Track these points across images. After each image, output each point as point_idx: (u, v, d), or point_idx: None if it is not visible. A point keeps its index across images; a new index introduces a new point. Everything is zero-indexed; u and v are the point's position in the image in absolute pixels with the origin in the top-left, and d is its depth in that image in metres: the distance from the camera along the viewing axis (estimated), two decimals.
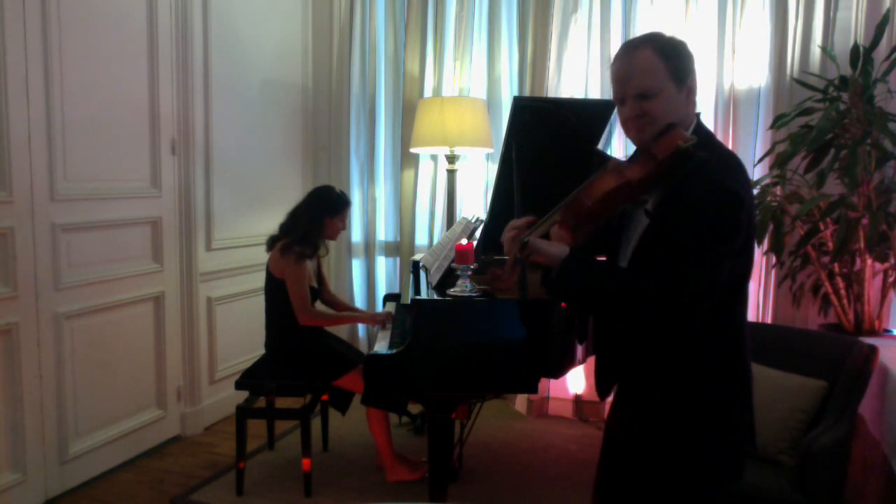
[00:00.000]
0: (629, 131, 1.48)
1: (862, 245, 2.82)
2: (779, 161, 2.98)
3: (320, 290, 3.15)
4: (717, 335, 1.43)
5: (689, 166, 1.34)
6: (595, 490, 1.67)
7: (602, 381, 1.63)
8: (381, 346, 2.59)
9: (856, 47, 2.91)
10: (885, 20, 2.89)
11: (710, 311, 1.37)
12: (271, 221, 3.16)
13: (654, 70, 1.39)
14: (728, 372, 1.45)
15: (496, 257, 2.30)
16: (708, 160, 1.35)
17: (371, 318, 3.05)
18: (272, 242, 3.04)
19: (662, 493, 1.46)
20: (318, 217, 3.01)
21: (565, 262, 1.42)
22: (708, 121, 3.42)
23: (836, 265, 2.92)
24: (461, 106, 3.58)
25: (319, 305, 3.17)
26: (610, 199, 1.38)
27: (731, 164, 1.39)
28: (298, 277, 2.91)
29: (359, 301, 4.39)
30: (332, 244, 3.18)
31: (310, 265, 3.01)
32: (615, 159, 1.44)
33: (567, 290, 1.47)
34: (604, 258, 1.64)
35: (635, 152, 1.50)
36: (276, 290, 2.98)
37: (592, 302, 1.50)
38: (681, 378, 1.44)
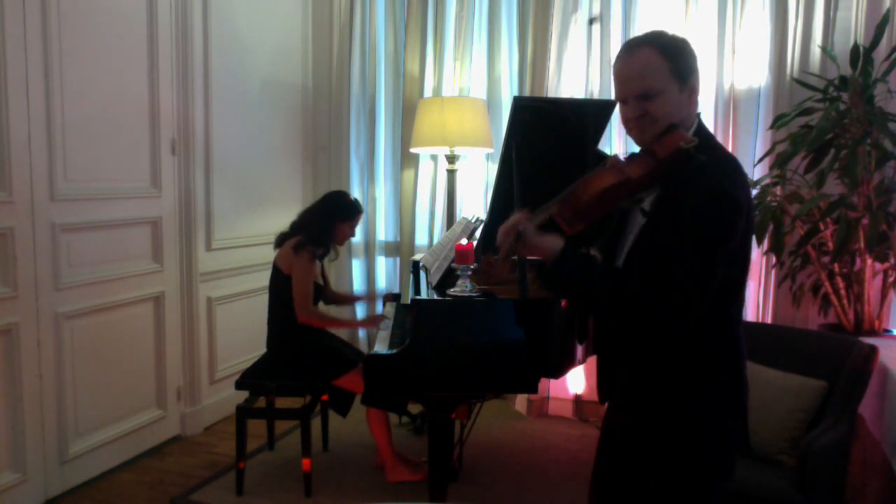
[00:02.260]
0: (631, 131, 1.47)
1: (862, 245, 2.82)
2: (779, 161, 2.98)
3: (324, 287, 3.16)
4: (713, 336, 1.43)
5: (688, 168, 1.34)
6: (591, 488, 1.67)
7: (605, 384, 1.63)
8: (381, 346, 2.59)
9: (856, 47, 2.91)
10: (885, 20, 2.89)
11: (706, 311, 1.37)
12: (271, 221, 3.17)
13: (655, 70, 1.39)
14: (724, 372, 1.45)
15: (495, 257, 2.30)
16: (707, 163, 1.34)
17: (363, 324, 3.09)
18: (282, 239, 3.05)
19: (659, 491, 1.46)
20: (330, 221, 3.03)
21: (560, 256, 1.42)
22: (708, 121, 3.42)
23: (836, 265, 2.92)
24: (461, 106, 3.58)
25: (322, 305, 3.18)
26: (607, 197, 1.38)
27: (730, 168, 1.39)
28: (306, 274, 2.92)
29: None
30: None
31: (316, 264, 3.02)
32: (615, 156, 1.44)
33: (560, 284, 1.47)
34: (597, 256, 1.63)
35: (636, 151, 1.49)
36: (281, 287, 2.98)
37: (585, 297, 1.50)
38: (677, 378, 1.44)
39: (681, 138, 1.34)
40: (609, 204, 1.40)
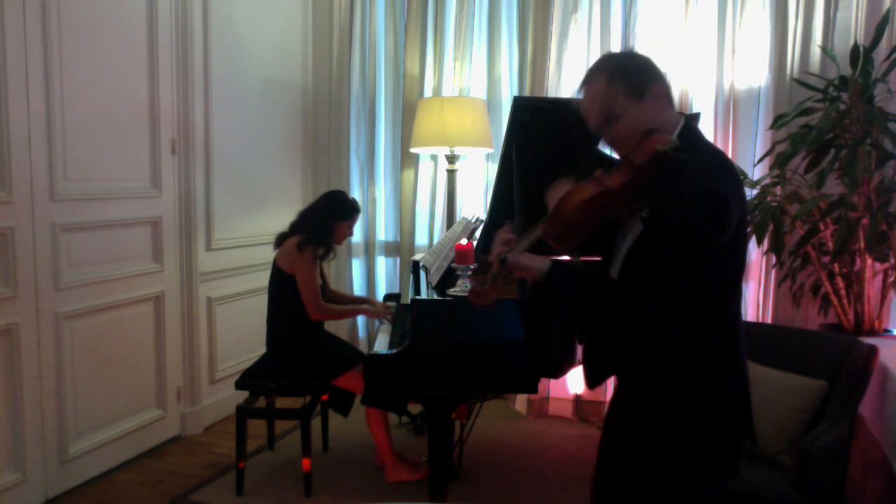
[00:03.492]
0: (614, 150, 1.51)
1: (862, 245, 2.82)
2: (779, 161, 2.98)
3: (324, 287, 3.16)
4: (711, 332, 1.43)
5: (671, 169, 1.34)
6: (594, 485, 1.67)
7: (591, 370, 1.62)
8: (381, 346, 2.59)
9: (856, 47, 2.91)
10: (885, 20, 2.90)
11: (705, 311, 1.37)
12: (271, 221, 3.17)
13: (608, 97, 1.42)
14: (723, 368, 1.45)
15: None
16: (690, 162, 1.34)
17: (375, 313, 3.10)
18: (282, 239, 3.05)
19: (660, 488, 1.46)
20: (330, 220, 3.03)
21: (547, 277, 1.43)
22: (708, 121, 3.43)
23: (836, 265, 2.92)
24: (461, 106, 3.58)
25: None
26: (590, 210, 1.38)
27: (713, 165, 1.39)
28: (310, 273, 2.93)
29: None
30: None
31: (316, 264, 3.02)
32: (599, 169, 1.44)
33: (551, 304, 1.47)
34: (599, 258, 1.63)
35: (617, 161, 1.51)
36: (281, 287, 2.98)
37: (578, 313, 1.51)
38: (677, 375, 1.44)
39: (658, 141, 1.34)
40: (596, 217, 1.40)
